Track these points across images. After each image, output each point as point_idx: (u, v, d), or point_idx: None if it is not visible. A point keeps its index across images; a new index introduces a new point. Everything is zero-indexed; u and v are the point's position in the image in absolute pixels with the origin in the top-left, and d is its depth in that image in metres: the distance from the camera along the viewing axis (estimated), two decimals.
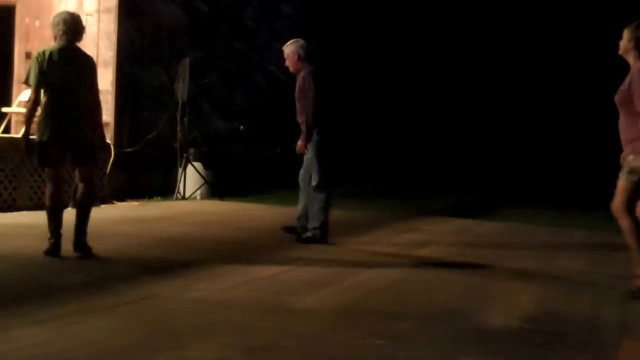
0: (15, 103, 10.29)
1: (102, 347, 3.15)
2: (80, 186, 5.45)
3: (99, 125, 5.51)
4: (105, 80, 10.23)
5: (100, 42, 10.26)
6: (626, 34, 4.81)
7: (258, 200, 11.17)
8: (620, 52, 4.86)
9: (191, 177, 11.07)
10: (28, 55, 10.58)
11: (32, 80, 5.15)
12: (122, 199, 9.67)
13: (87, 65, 5.39)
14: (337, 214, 9.63)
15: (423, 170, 17.73)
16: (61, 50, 5.20)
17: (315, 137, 6.49)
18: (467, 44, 19.28)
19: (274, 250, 6.10)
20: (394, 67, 19.26)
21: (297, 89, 6.56)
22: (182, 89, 10.79)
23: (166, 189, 10.74)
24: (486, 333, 3.69)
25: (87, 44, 10.37)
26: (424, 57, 19.34)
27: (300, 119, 6.56)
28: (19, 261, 5.05)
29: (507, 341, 3.59)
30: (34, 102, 5.20)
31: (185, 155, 10.92)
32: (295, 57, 6.59)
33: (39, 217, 7.80)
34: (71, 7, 10.41)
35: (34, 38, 10.64)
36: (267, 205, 10.51)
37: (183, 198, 10.79)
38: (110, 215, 8.17)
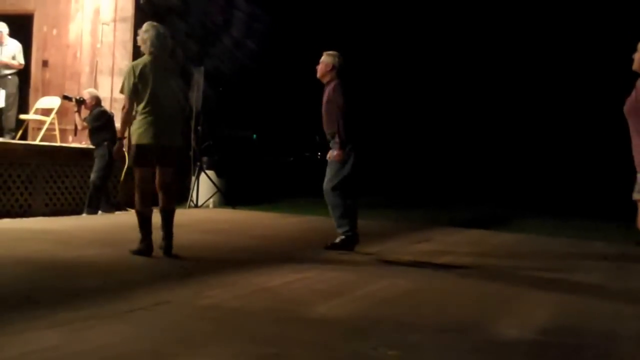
0: (32, 110, 10.37)
1: (115, 352, 3.14)
2: (160, 193, 5.68)
3: (186, 130, 5.84)
4: None
5: (116, 51, 10.35)
6: None
7: (271, 208, 11.17)
8: (636, 66, 4.73)
9: (204, 186, 11.10)
10: (45, 64, 10.68)
11: (126, 91, 5.52)
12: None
13: (176, 73, 5.74)
14: None
15: (435, 181, 17.67)
16: (154, 61, 5.55)
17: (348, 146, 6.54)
18: (477, 55, 19.25)
19: (286, 259, 6.08)
20: (403, 79, 19.25)
21: (326, 99, 6.62)
22: (196, 98, 10.84)
23: (179, 196, 10.74)
24: (500, 345, 3.64)
25: (103, 53, 10.48)
26: (432, 68, 19.31)
27: (328, 129, 6.61)
28: (34, 266, 5.06)
29: (521, 354, 3.55)
30: (129, 111, 5.55)
31: (198, 163, 10.94)
32: (329, 68, 6.68)
33: (54, 223, 7.88)
34: (88, 17, 10.53)
35: (51, 46, 10.73)
36: (279, 213, 10.50)
37: (196, 206, 10.81)
38: (123, 222, 8.17)
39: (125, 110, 5.59)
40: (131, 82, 5.50)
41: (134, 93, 5.50)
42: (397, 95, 19.40)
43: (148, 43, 5.59)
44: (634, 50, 4.71)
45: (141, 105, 5.51)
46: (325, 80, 6.73)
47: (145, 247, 5.57)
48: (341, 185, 6.55)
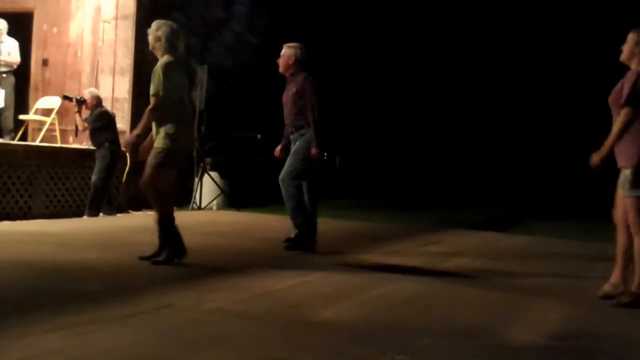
0: (32, 111, 10.29)
1: (116, 356, 3.09)
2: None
3: None
4: (122, 88, 10.24)
5: (117, 50, 10.28)
6: (632, 38, 4.70)
7: (275, 210, 11.07)
8: (623, 58, 4.77)
9: (207, 187, 11.03)
10: (45, 62, 10.62)
11: (161, 88, 5.26)
12: (137, 208, 9.63)
13: (190, 71, 5.63)
14: (356, 225, 9.55)
15: (443, 183, 17.64)
16: (179, 62, 5.40)
17: (305, 140, 6.50)
18: (486, 57, 19.20)
19: (291, 261, 6.01)
20: (410, 80, 19.21)
21: (292, 91, 6.56)
22: (199, 97, 10.76)
23: (182, 198, 10.68)
24: (511, 351, 3.57)
25: (104, 51, 10.41)
26: (437, 67, 19.28)
27: (293, 122, 6.56)
28: (35, 269, 5.00)
29: None
30: (160, 109, 5.29)
31: (201, 164, 10.86)
32: (292, 61, 6.60)
33: (55, 225, 7.82)
34: (89, 14, 10.47)
35: (51, 45, 10.66)
36: (284, 215, 10.37)
37: (199, 208, 10.74)
38: (125, 225, 8.13)
39: (155, 108, 5.27)
40: (166, 83, 5.25)
41: (166, 93, 5.26)
42: (407, 97, 19.35)
43: (163, 40, 5.38)
44: (624, 41, 4.77)
45: (174, 107, 5.31)
46: (288, 73, 6.66)
47: (174, 253, 5.36)
48: (300, 176, 6.50)
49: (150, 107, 5.33)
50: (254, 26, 12.65)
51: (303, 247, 6.52)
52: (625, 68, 4.82)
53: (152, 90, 5.30)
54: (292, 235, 6.58)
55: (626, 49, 4.75)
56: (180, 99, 5.38)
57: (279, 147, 6.78)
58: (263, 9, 12.66)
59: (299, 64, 6.59)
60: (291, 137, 6.62)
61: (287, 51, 6.64)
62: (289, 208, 6.57)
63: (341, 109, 18.29)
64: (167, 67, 5.30)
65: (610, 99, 4.76)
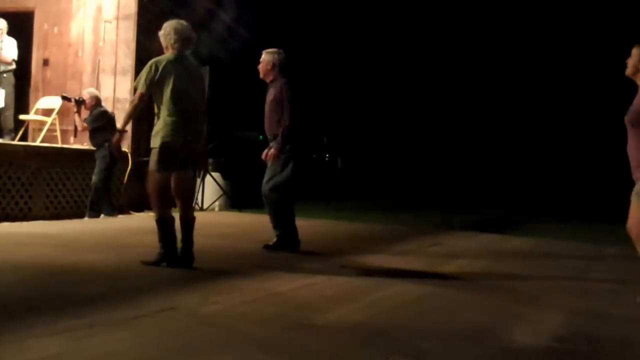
0: (32, 111, 10.26)
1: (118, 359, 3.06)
2: (180, 200, 5.44)
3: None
4: (124, 88, 10.21)
5: (118, 50, 10.24)
6: (637, 53, 4.64)
7: None
8: (628, 73, 4.69)
9: (209, 188, 11.01)
10: (46, 62, 10.57)
11: (142, 86, 5.22)
12: (139, 209, 9.60)
13: (200, 74, 5.67)
14: (359, 227, 9.52)
15: (443, 184, 17.65)
16: (178, 59, 5.33)
17: (286, 147, 6.48)
18: (477, 58, 19.21)
19: (294, 264, 5.98)
20: (410, 83, 19.22)
21: (271, 98, 6.54)
22: None
23: None
24: (513, 353, 3.56)
25: (105, 51, 10.38)
26: (437, 71, 19.29)
27: (271, 130, 6.55)
28: (35, 271, 4.98)
29: None
30: (137, 106, 5.29)
31: None
32: (269, 67, 6.60)
33: (55, 227, 7.80)
34: (90, 14, 10.43)
35: (52, 45, 10.62)
36: None
37: (201, 209, 10.72)
38: (127, 226, 8.11)
39: (133, 104, 5.30)
40: (149, 77, 5.19)
41: (149, 90, 5.21)
42: (408, 100, 19.37)
43: (171, 34, 5.34)
44: (628, 55, 4.71)
45: (164, 105, 5.23)
46: (268, 80, 6.65)
47: (159, 256, 5.31)
48: (281, 187, 6.48)
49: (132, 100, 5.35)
50: (258, 27, 12.64)
51: (284, 250, 6.53)
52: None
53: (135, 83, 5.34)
54: (271, 243, 6.60)
55: (631, 63, 4.67)
56: (175, 95, 5.23)
57: (265, 152, 6.69)
58: (269, 10, 12.65)
59: (278, 70, 6.57)
60: (270, 144, 6.62)
61: (266, 57, 6.63)
62: (270, 217, 6.61)
63: (344, 111, 18.36)
64: (156, 62, 5.27)
65: (627, 118, 4.62)
